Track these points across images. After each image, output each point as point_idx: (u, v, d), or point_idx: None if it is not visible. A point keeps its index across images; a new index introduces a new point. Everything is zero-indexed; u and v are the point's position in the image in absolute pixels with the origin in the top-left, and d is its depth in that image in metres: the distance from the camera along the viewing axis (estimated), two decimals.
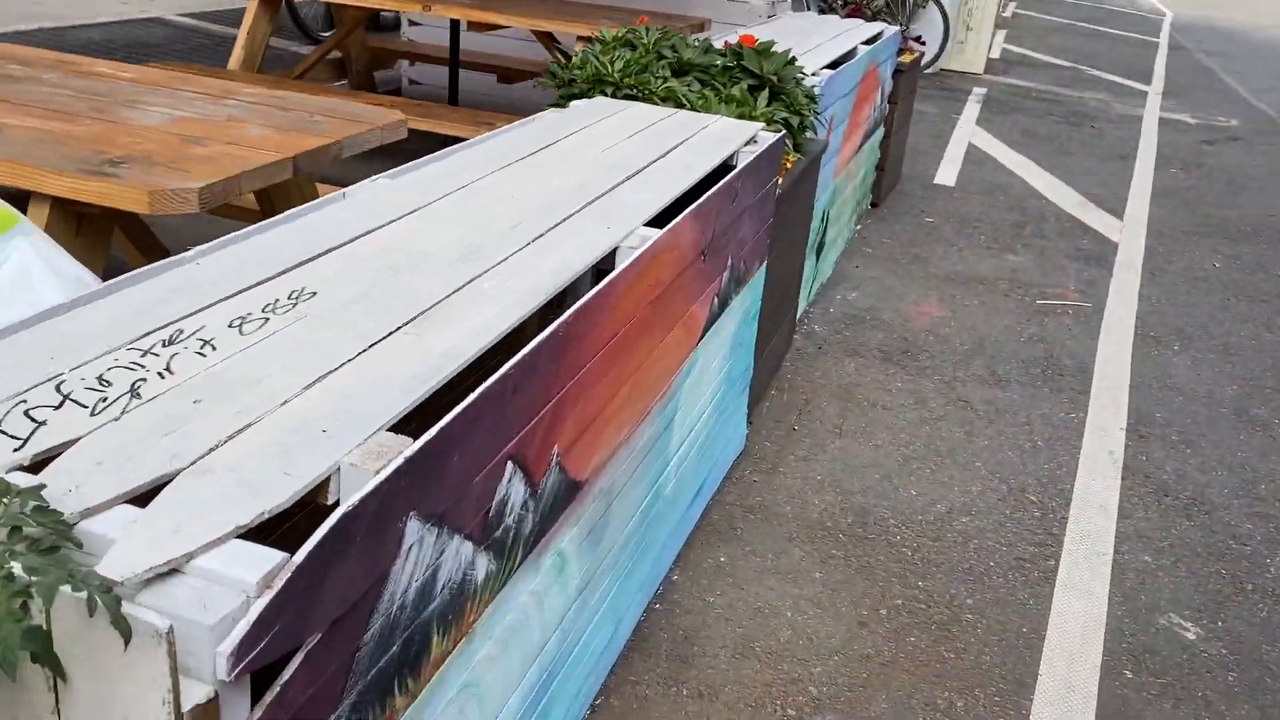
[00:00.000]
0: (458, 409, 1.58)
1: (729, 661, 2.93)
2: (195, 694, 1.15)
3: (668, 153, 3.05)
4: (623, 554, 2.66)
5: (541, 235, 2.30)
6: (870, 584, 3.30)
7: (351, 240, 2.14)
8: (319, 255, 2.05)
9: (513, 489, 1.86)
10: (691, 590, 3.19)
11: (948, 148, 8.74)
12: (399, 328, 1.81)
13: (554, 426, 1.99)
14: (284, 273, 1.95)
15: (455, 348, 1.75)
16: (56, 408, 1.45)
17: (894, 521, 3.64)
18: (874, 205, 6.86)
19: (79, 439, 1.40)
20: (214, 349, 1.66)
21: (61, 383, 1.51)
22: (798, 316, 4.93)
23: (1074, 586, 3.40)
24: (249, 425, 1.47)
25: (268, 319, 1.77)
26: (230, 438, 1.43)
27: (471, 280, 2.03)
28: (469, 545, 1.73)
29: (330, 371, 1.64)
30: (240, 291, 1.86)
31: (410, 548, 1.52)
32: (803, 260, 4.58)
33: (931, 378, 4.70)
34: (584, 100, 3.59)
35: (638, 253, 2.29)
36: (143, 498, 1.32)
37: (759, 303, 3.65)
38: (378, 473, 1.40)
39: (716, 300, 3.06)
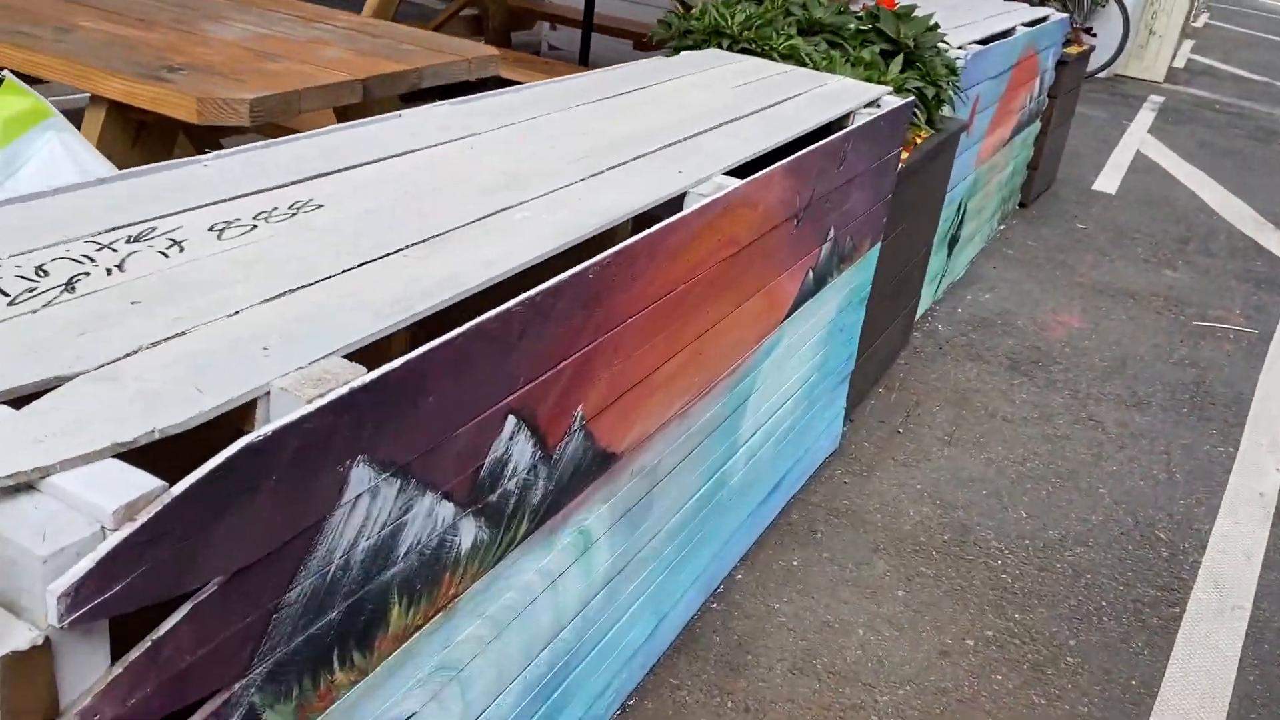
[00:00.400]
0: (436, 342, 1.33)
1: (784, 676, 2.62)
2: (14, 638, 0.93)
3: (771, 106, 2.75)
4: (670, 543, 2.38)
5: (600, 173, 2.03)
6: (960, 610, 2.94)
7: (384, 159, 1.92)
8: (340, 170, 1.83)
9: (516, 449, 1.60)
10: (755, 593, 2.89)
11: (1113, 154, 8.10)
12: (400, 250, 1.57)
13: (578, 385, 1.72)
14: (295, 183, 1.74)
15: (456, 275, 1.51)
16: None
17: (997, 544, 3.25)
18: (1022, 205, 6.36)
19: None
20: (181, 251, 1.45)
21: None
22: (919, 313, 4.54)
23: (1200, 641, 2.96)
24: (180, 334, 1.25)
25: (255, 227, 1.56)
26: (153, 345, 1.22)
27: (503, 209, 1.78)
28: (448, 506, 1.48)
29: (302, 287, 1.41)
30: (237, 197, 1.65)
31: (358, 497, 1.28)
32: (929, 250, 4.20)
33: (1061, 392, 4.25)
34: (695, 51, 3.30)
35: (707, 200, 2.00)
36: (32, 400, 1.11)
37: (868, 287, 3.30)
38: (311, 401, 1.16)
39: (812, 275, 2.74)
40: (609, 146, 2.20)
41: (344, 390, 1.19)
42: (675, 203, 2.03)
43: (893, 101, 3.02)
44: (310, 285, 1.42)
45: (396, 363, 1.26)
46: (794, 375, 2.87)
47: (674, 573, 2.47)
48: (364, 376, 1.22)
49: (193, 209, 1.59)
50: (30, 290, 1.29)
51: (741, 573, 2.96)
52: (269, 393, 1.18)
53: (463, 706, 1.71)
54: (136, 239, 1.46)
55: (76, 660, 0.99)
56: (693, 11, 3.54)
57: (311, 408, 1.15)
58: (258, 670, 1.22)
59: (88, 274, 1.35)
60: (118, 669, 1.03)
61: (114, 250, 1.42)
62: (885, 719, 2.53)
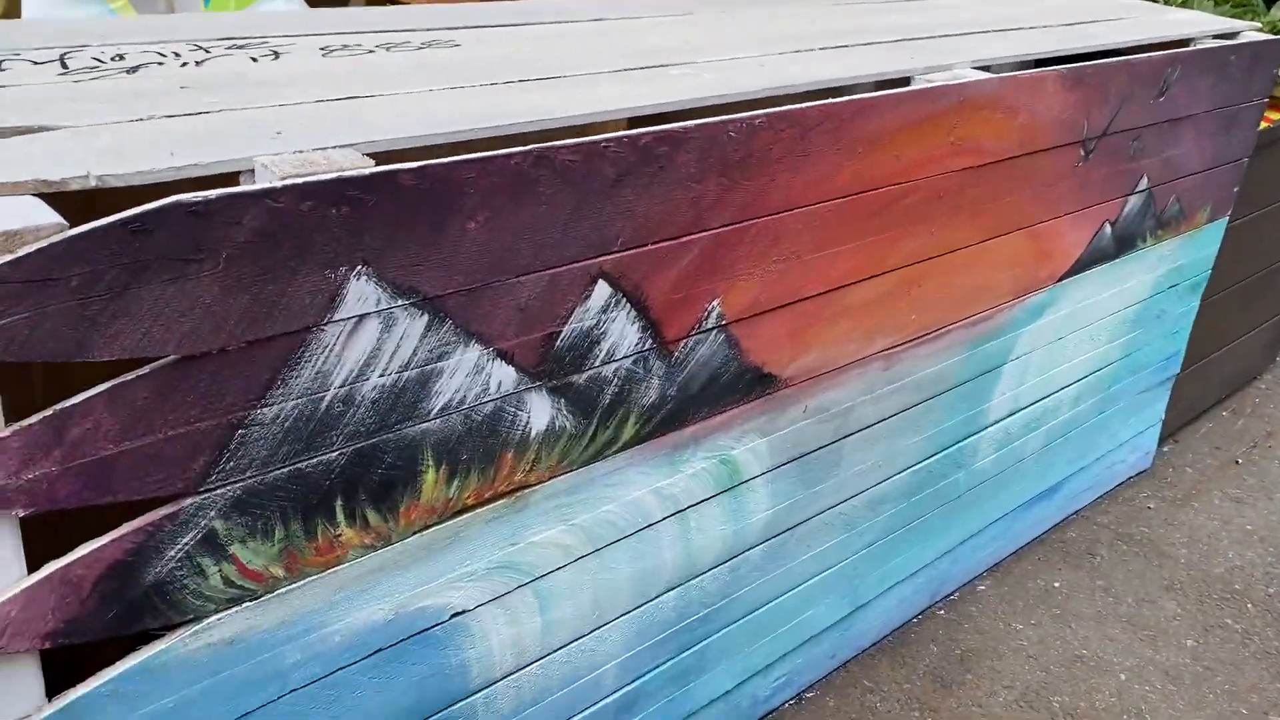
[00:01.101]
0: (478, 155, 1.12)
1: (1006, 706, 2.16)
2: None
3: (1076, 24, 2.29)
4: (872, 517, 2.01)
5: (802, 50, 1.74)
6: (1270, 679, 2.31)
7: (567, 21, 1.74)
8: (512, 24, 1.68)
9: (613, 326, 1.36)
10: (997, 608, 2.43)
11: None
12: (510, 81, 1.38)
13: (711, 270, 1.45)
14: (443, 28, 1.61)
15: (546, 105, 1.29)
16: (38, 64, 1.22)
17: None
18: None
19: (24, 85, 1.15)
20: (274, 59, 1.35)
21: (81, 49, 1.28)
22: None
23: None
24: (204, 113, 1.13)
25: (372, 51, 1.43)
26: (166, 117, 1.11)
27: (657, 66, 1.54)
28: (506, 369, 1.26)
29: (369, 96, 1.26)
30: (380, 31, 1.54)
31: (361, 318, 1.10)
32: None
33: None
34: None
35: (933, 85, 1.64)
36: None
37: (1206, 273, 2.70)
38: (285, 179, 0.99)
39: (1110, 230, 2.25)
40: (827, 33, 1.89)
41: (329, 177, 1.01)
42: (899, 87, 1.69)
43: (1258, 38, 2.43)
44: (378, 96, 1.26)
45: (413, 165, 1.07)
46: (1078, 356, 2.38)
47: (878, 556, 2.10)
48: (364, 169, 1.04)
49: (325, 34, 1.49)
50: (92, 69, 1.23)
51: (986, 584, 2.50)
52: (253, 169, 1.03)
53: (542, 624, 1.49)
54: (240, 47, 1.38)
55: None
56: None
57: (283, 183, 0.98)
58: (218, 491, 1.07)
59: (161, 64, 1.28)
60: (5, 431, 0.91)
61: (207, 51, 1.34)
62: None
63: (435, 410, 1.22)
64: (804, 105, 1.45)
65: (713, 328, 1.50)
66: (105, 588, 1.02)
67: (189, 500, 1.06)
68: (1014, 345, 2.16)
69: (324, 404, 1.12)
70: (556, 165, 1.20)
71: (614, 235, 1.30)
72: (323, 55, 1.39)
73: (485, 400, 1.26)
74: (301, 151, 1.05)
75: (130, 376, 0.97)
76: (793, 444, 1.75)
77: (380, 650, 1.30)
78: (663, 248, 1.37)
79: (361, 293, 1.09)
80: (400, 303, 1.13)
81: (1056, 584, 2.53)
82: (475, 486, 1.31)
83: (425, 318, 1.16)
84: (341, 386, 1.12)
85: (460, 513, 1.31)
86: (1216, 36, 2.37)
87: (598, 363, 1.37)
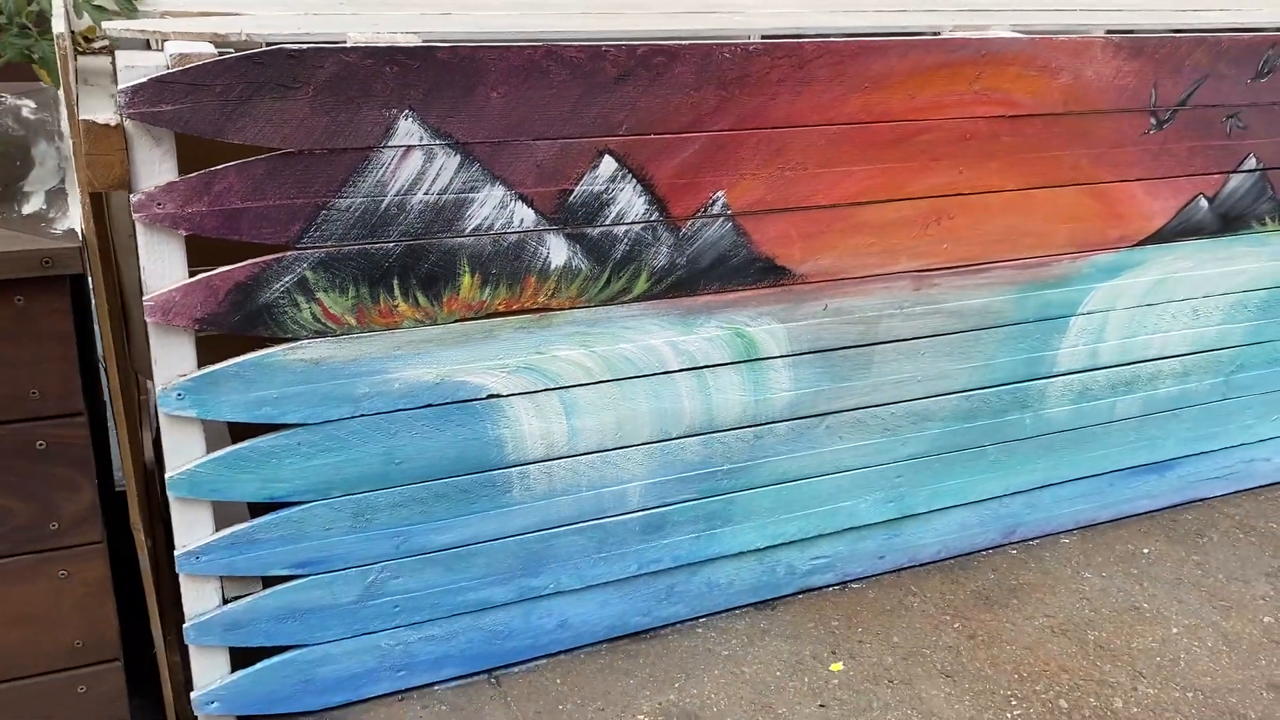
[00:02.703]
0: (499, 44, 1.64)
1: (1040, 630, 2.34)
2: (99, 116, 1.49)
3: (1184, 10, 2.43)
4: (914, 431, 2.29)
5: (851, 10, 2.10)
6: None
7: None
8: None
9: (620, 194, 1.82)
10: (1070, 558, 2.58)
11: None
12: (570, 13, 1.89)
13: (713, 165, 1.86)
14: None
15: (584, 28, 1.78)
16: None
17: None
18: None
19: None
20: None
21: None
22: None
23: None
24: (336, 14, 1.74)
25: None
26: (304, 14, 1.72)
27: (704, 11, 1.98)
28: (527, 210, 1.77)
29: (451, 14, 1.82)
30: None
31: (409, 149, 1.65)
32: None
33: None
34: None
35: (953, 36, 1.96)
36: None
37: None
38: (357, 44, 1.56)
39: (1206, 204, 2.37)
40: (897, 4, 2.23)
41: (384, 44, 1.57)
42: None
43: None
44: (458, 13, 1.82)
45: (448, 44, 1.61)
46: (1178, 328, 2.50)
47: (929, 471, 2.36)
48: (411, 43, 1.59)
49: None
50: None
51: (1071, 538, 2.66)
52: (346, 35, 1.61)
53: (568, 428, 1.96)
54: None
55: (144, 157, 1.52)
56: None
57: (350, 44, 1.56)
58: (309, 251, 1.66)
59: None
60: (176, 179, 1.54)
61: None
62: (1133, 711, 2.14)
63: (469, 229, 1.75)
64: (803, 41, 1.84)
65: (719, 214, 1.92)
66: (233, 297, 1.64)
67: (289, 253, 1.65)
68: (1083, 299, 2.35)
69: (383, 205, 1.68)
70: (564, 59, 1.69)
71: (619, 121, 1.77)
72: None
73: (510, 230, 1.77)
74: (380, 32, 1.62)
75: (252, 159, 1.57)
76: (814, 336, 2.11)
77: (430, 405, 1.84)
78: (665, 138, 1.82)
79: (408, 129, 1.64)
80: (439, 142, 1.67)
81: (1146, 550, 2.63)
82: (505, 297, 1.82)
83: (458, 157, 1.69)
84: (396, 195, 1.68)
85: (493, 315, 1.83)
86: None
87: (608, 221, 1.84)
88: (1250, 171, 2.39)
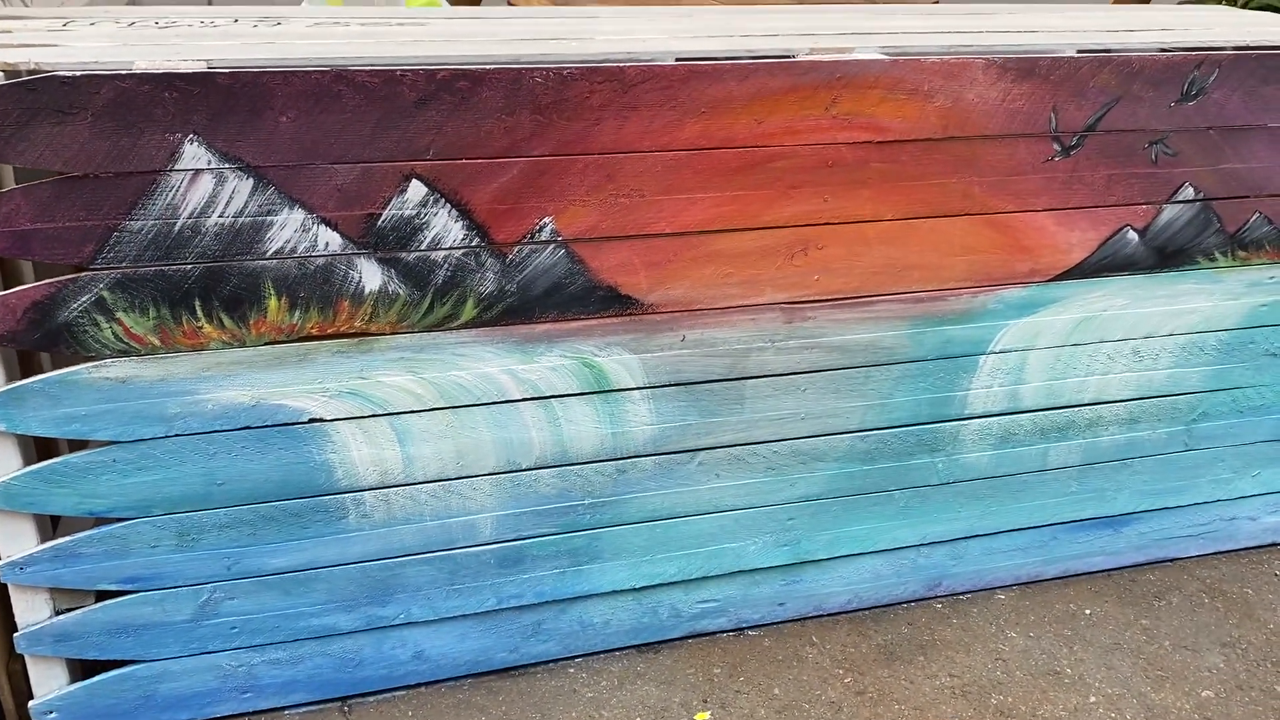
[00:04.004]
0: (282, 68, 1.65)
1: (937, 690, 2.18)
2: None
3: (1117, 31, 2.25)
4: (804, 472, 2.18)
5: (704, 36, 2.03)
6: None
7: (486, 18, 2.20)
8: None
9: (435, 219, 1.80)
10: (1000, 615, 2.40)
11: None
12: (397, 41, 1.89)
13: (538, 191, 1.82)
14: (417, 21, 2.14)
15: (411, 54, 1.77)
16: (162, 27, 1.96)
17: None
18: None
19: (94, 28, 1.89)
20: (274, 24, 1.98)
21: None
22: None
23: None
24: (159, 45, 1.78)
25: (341, 24, 2.01)
26: (124, 45, 1.77)
27: (549, 38, 1.95)
28: (332, 234, 1.76)
29: (278, 43, 1.84)
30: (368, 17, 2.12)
31: (196, 173, 1.66)
32: None
33: None
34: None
35: (801, 59, 1.86)
36: None
37: None
38: (135, 70, 1.60)
39: (1135, 236, 2.18)
40: (772, 30, 2.14)
41: (161, 70, 1.60)
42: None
43: None
44: (280, 43, 1.83)
45: (228, 69, 1.62)
46: (1117, 371, 2.30)
47: (826, 515, 2.23)
48: (189, 69, 1.61)
49: (338, 18, 2.10)
50: (171, 25, 1.94)
51: (1007, 595, 2.47)
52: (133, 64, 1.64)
53: (402, 455, 1.94)
54: (264, 19, 2.03)
55: None
56: None
57: (126, 71, 1.59)
58: (104, 272, 1.69)
59: (189, 26, 1.96)
60: None
61: (235, 21, 2.00)
62: None
63: (270, 252, 1.75)
64: (623, 64, 1.79)
65: (548, 241, 1.87)
66: (31, 316, 1.68)
67: (85, 273, 1.69)
68: (993, 336, 2.19)
69: (176, 227, 1.70)
70: (355, 83, 1.68)
71: (424, 145, 1.75)
72: (307, 26, 1.99)
73: (315, 254, 1.77)
74: (170, 60, 1.65)
75: (37, 182, 1.62)
76: (673, 368, 2.03)
77: (248, 428, 1.85)
78: (479, 164, 1.79)
79: (195, 153, 1.66)
80: (228, 165, 1.68)
81: (1089, 610, 2.42)
82: (317, 320, 1.82)
83: (251, 180, 1.70)
84: (189, 218, 1.70)
85: (306, 339, 1.82)
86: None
87: (424, 247, 1.82)
88: (1189, 202, 2.19)
